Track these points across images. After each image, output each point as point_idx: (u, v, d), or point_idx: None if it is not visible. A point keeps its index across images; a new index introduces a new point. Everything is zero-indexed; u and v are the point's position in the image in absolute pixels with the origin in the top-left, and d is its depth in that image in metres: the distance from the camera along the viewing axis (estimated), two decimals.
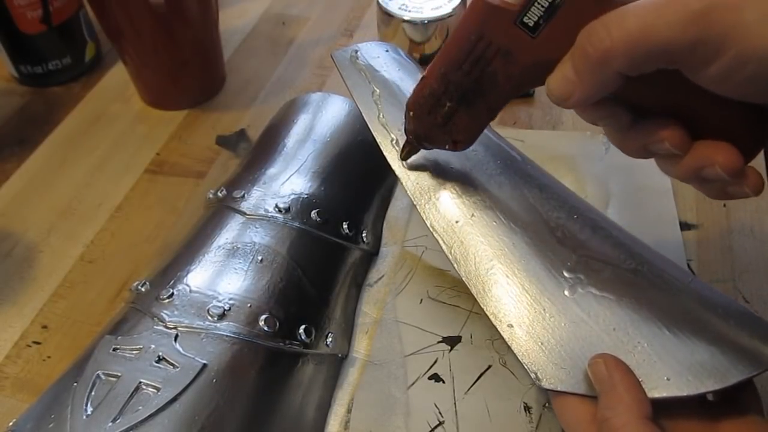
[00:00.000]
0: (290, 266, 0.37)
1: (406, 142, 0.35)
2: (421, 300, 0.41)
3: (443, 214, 0.35)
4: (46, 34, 0.57)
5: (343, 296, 0.40)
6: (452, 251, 0.34)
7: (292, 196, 0.40)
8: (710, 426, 0.29)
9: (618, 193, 0.46)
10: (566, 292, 0.32)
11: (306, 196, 0.40)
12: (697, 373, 0.29)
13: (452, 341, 0.39)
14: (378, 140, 0.37)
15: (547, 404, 0.36)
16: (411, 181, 0.36)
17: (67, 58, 0.59)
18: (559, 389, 0.30)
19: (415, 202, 0.36)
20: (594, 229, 0.34)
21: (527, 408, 0.36)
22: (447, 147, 0.33)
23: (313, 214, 0.40)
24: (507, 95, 0.30)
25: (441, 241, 0.35)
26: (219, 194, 0.41)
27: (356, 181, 0.44)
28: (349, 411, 0.36)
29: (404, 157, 0.36)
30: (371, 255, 0.43)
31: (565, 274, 0.33)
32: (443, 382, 0.37)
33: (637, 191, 0.46)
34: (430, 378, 0.37)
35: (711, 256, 0.43)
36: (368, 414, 0.36)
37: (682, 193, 0.47)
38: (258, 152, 0.46)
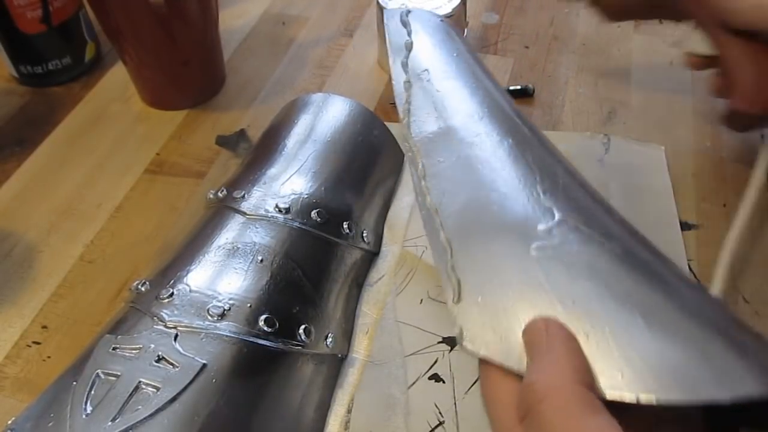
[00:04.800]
0: (290, 266, 0.37)
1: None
2: (422, 300, 0.41)
3: (424, 133, 0.34)
4: (46, 34, 0.57)
5: (344, 296, 0.40)
6: (423, 182, 0.32)
7: (293, 196, 0.40)
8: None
9: (618, 193, 0.46)
10: (533, 251, 0.27)
11: (306, 196, 0.40)
12: (659, 376, 0.22)
13: (452, 341, 0.39)
14: (393, 79, 0.37)
15: None
16: (413, 127, 0.35)
17: (67, 58, 0.59)
18: (481, 354, 0.25)
19: (402, 119, 0.35)
20: (596, 204, 0.31)
21: None
22: None
23: (314, 214, 0.40)
24: None
25: (414, 170, 0.33)
26: (219, 194, 0.41)
27: (357, 181, 0.44)
28: (349, 411, 0.36)
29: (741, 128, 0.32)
30: (372, 255, 0.43)
31: (539, 228, 0.27)
32: (443, 382, 0.37)
33: (637, 191, 0.46)
34: (430, 378, 0.37)
35: (711, 256, 0.43)
36: (368, 414, 0.36)
37: (682, 193, 0.47)
38: (258, 152, 0.46)
